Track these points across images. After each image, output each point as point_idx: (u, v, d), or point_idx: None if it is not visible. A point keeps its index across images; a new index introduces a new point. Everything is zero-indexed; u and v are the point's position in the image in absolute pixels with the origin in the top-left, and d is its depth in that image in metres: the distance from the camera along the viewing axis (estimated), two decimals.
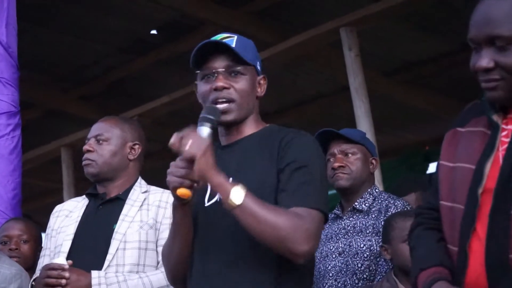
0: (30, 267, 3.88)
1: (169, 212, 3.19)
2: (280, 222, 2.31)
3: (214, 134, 2.50)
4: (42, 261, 3.49)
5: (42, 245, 3.60)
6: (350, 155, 3.80)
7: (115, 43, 7.98)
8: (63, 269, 3.12)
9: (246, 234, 2.38)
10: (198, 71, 2.60)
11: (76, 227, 3.39)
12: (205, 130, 2.42)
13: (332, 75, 8.21)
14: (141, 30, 7.72)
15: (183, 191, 2.36)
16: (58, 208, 3.60)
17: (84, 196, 3.57)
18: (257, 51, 2.69)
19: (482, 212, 2.03)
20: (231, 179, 2.42)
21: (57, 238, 3.44)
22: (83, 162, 3.49)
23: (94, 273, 3.16)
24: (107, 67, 8.48)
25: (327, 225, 3.91)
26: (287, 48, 7.07)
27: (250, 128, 2.61)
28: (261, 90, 2.64)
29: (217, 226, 2.49)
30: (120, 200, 3.40)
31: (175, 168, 2.35)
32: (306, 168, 2.45)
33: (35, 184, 10.50)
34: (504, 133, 2.09)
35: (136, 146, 3.54)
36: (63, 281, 3.10)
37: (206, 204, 2.54)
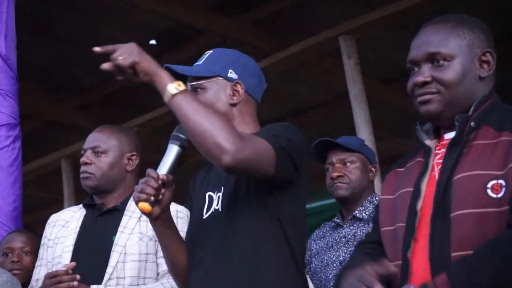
0: (30, 280, 3.88)
1: None
2: (215, 117, 2.34)
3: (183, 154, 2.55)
4: (38, 271, 3.47)
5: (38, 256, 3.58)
6: (348, 164, 3.79)
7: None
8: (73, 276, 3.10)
9: (245, 242, 2.43)
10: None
11: (75, 238, 3.36)
12: (174, 149, 2.51)
13: (331, 83, 8.22)
14: (139, 39, 7.70)
15: (142, 205, 2.44)
16: (53, 217, 3.55)
17: (80, 206, 3.53)
18: (239, 58, 2.73)
19: (422, 223, 2.12)
20: (222, 187, 2.52)
21: (54, 248, 3.40)
22: (81, 175, 3.45)
23: (94, 287, 3.14)
24: (105, 76, 8.48)
25: (328, 234, 3.90)
26: (285, 57, 7.08)
27: None
28: (237, 97, 2.65)
29: (214, 235, 2.52)
30: (118, 211, 3.36)
31: (140, 183, 2.46)
32: (273, 131, 2.49)
33: (35, 195, 10.49)
34: (437, 157, 2.20)
35: (134, 157, 3.50)
36: (75, 283, 3.07)
37: (204, 216, 2.57)
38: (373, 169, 3.87)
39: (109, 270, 3.19)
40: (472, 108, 2.18)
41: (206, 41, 7.57)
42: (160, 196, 2.48)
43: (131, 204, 3.36)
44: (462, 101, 2.19)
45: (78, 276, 3.09)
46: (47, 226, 3.54)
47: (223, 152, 2.27)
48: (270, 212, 2.48)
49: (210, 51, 2.70)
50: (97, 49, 2.53)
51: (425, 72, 2.20)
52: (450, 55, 2.20)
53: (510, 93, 2.34)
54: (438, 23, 2.28)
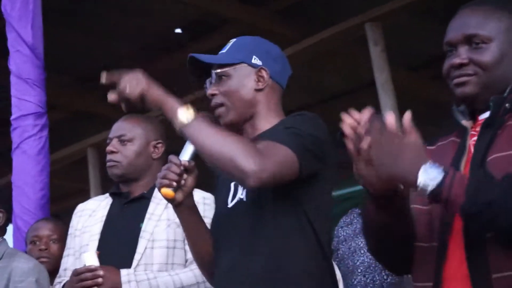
0: (58, 268, 3.90)
1: None
2: (231, 140, 2.32)
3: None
4: (66, 261, 3.48)
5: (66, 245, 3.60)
6: None
7: (139, 42, 7.99)
8: (96, 269, 3.11)
9: (271, 231, 2.42)
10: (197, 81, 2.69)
11: (101, 226, 3.36)
12: (189, 149, 2.49)
13: (357, 71, 8.18)
14: (165, 29, 7.73)
15: (164, 191, 2.45)
16: (80, 207, 3.56)
17: (106, 195, 3.55)
18: (262, 44, 2.72)
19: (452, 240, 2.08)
20: None
21: (82, 238, 3.41)
22: (107, 164, 3.45)
23: (124, 271, 3.15)
24: (131, 66, 8.48)
25: (355, 220, 3.87)
26: (311, 44, 7.04)
27: (264, 123, 2.61)
28: (262, 83, 2.63)
29: (240, 225, 2.50)
30: (145, 199, 3.37)
31: (161, 171, 2.47)
32: (293, 128, 2.46)
33: (61, 185, 10.54)
34: (473, 138, 2.16)
35: (159, 145, 3.50)
36: (100, 280, 3.09)
37: (229, 205, 2.56)
38: None
39: (137, 256, 3.21)
40: (508, 90, 2.15)
41: (232, 31, 7.54)
42: (183, 182, 2.48)
43: (158, 192, 3.36)
44: (498, 84, 2.16)
45: (101, 272, 3.10)
46: (74, 216, 3.55)
47: (246, 175, 2.26)
48: (296, 202, 2.47)
49: (234, 39, 2.69)
50: (102, 79, 2.48)
51: (462, 54, 2.17)
52: (488, 37, 2.17)
53: None
54: (476, 5, 2.25)
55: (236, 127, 2.59)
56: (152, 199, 3.35)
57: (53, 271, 3.78)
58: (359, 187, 3.44)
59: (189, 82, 2.72)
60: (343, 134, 2.02)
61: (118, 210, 3.41)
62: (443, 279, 2.05)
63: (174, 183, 2.44)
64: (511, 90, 2.15)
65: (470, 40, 2.18)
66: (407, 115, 2.03)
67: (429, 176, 1.94)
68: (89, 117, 9.37)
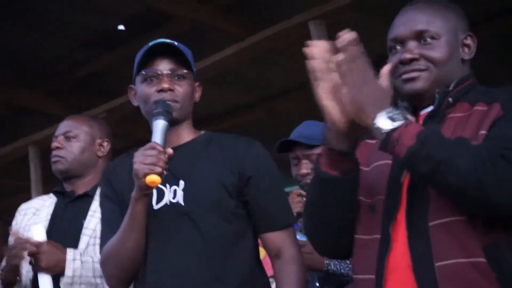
0: None
1: None
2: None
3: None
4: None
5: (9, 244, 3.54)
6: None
7: (81, 38, 7.91)
8: (40, 244, 3.10)
9: (207, 233, 2.48)
10: (142, 72, 2.64)
11: (46, 225, 3.35)
12: (161, 123, 2.48)
13: (301, 69, 8.18)
14: (107, 25, 7.65)
15: (153, 178, 2.37)
16: (24, 206, 3.56)
17: (51, 194, 3.55)
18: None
19: (402, 199, 2.10)
20: (181, 181, 2.54)
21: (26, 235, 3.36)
22: (52, 159, 3.48)
23: (70, 250, 3.16)
24: (73, 62, 8.40)
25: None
26: (255, 42, 7.04)
27: (187, 134, 2.68)
28: (197, 96, 2.73)
29: (174, 228, 2.51)
30: (88, 197, 3.38)
31: (143, 156, 2.39)
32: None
33: (2, 183, 10.40)
34: None
35: (105, 143, 3.54)
36: (40, 257, 3.07)
37: (155, 207, 2.55)
38: None
39: (78, 251, 3.20)
40: (452, 85, 2.19)
41: (176, 26, 7.51)
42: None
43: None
44: (445, 81, 2.20)
45: (44, 248, 3.08)
46: (17, 214, 3.55)
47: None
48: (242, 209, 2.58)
49: (175, 42, 2.67)
50: None
51: (413, 49, 2.19)
52: (438, 33, 2.20)
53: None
54: (422, 3, 2.28)
55: (173, 125, 2.59)
56: (95, 197, 3.34)
57: None
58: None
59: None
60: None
61: (62, 209, 3.42)
62: (386, 271, 2.07)
63: (165, 171, 2.39)
64: (455, 85, 2.19)
65: (419, 36, 2.21)
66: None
67: (389, 116, 1.96)
68: (30, 113, 9.24)
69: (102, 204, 2.72)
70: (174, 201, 2.53)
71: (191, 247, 2.48)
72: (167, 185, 2.55)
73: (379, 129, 1.97)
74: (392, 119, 1.97)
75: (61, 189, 3.50)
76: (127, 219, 2.50)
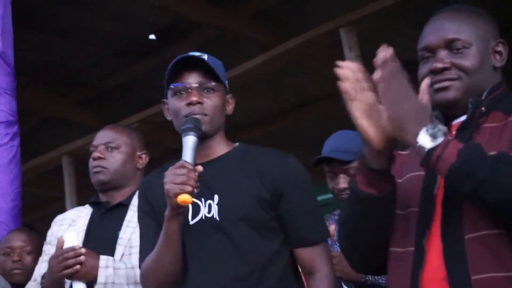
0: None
1: None
2: None
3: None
4: (39, 267, 3.47)
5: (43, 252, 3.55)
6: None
7: (111, 47, 7.95)
8: (78, 249, 3.11)
9: (242, 248, 2.48)
10: (171, 87, 2.65)
11: (83, 236, 3.35)
12: (191, 139, 2.47)
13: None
14: (137, 34, 7.68)
15: (184, 198, 2.35)
16: (60, 217, 3.55)
17: (86, 205, 3.53)
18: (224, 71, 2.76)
19: (436, 210, 2.09)
20: (216, 196, 2.53)
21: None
22: (94, 170, 3.43)
23: (103, 257, 3.15)
24: (103, 71, 8.44)
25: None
26: (286, 50, 7.03)
27: (221, 147, 2.67)
28: (229, 109, 2.71)
29: (209, 242, 2.52)
30: (123, 206, 3.36)
31: (173, 175, 2.37)
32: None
33: (37, 193, 10.47)
34: None
35: (143, 156, 3.52)
36: (82, 258, 3.08)
37: (191, 222, 2.55)
38: None
39: (111, 258, 3.19)
40: (485, 94, 2.17)
41: (205, 35, 7.53)
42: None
43: (135, 199, 3.30)
44: (477, 89, 2.18)
45: (83, 250, 3.10)
46: (53, 225, 3.54)
47: None
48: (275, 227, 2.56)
49: (205, 55, 2.66)
50: None
51: (444, 58, 2.18)
52: (469, 42, 2.18)
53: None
54: (453, 10, 2.27)
55: (202, 142, 2.59)
56: (130, 206, 3.33)
57: (27, 283, 3.73)
58: (330, 195, 3.43)
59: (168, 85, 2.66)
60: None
61: (97, 219, 3.40)
62: (420, 284, 2.05)
63: (195, 190, 2.37)
64: (488, 94, 2.17)
65: (450, 45, 2.19)
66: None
67: (430, 133, 1.95)
68: (60, 124, 9.29)
69: (140, 219, 2.73)
70: (209, 215, 2.52)
71: (225, 262, 2.48)
72: (203, 200, 2.55)
73: (421, 146, 1.96)
74: (433, 136, 1.95)
75: (97, 200, 3.48)
76: (162, 238, 2.50)
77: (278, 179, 2.55)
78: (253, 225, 2.51)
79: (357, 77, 2.05)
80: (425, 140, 1.95)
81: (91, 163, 3.45)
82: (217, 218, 2.51)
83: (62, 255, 3.10)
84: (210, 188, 2.54)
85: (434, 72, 2.18)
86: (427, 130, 1.95)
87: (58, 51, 7.87)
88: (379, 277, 3.31)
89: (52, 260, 3.17)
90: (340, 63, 2.08)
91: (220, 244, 2.49)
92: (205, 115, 2.58)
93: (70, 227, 3.44)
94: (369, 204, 2.13)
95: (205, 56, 2.64)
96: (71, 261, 3.08)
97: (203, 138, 2.56)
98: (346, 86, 2.05)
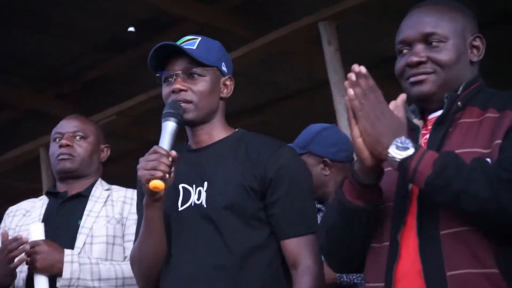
0: None
1: (135, 208, 3.04)
2: None
3: (179, 134, 2.50)
4: None
5: None
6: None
7: (91, 41, 7.93)
8: (37, 244, 3.03)
9: (227, 236, 2.44)
10: (158, 74, 2.61)
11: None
12: (170, 125, 2.44)
13: (311, 71, 8.19)
14: (117, 28, 7.67)
15: (156, 183, 2.33)
16: (13, 208, 3.47)
17: (41, 196, 3.48)
18: (225, 52, 2.70)
19: (411, 203, 2.10)
20: (205, 183, 2.49)
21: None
22: (60, 156, 3.37)
23: (68, 251, 3.09)
24: (83, 65, 8.42)
25: None
26: (265, 44, 7.05)
27: (219, 132, 2.63)
28: (227, 91, 2.65)
29: (195, 230, 2.49)
30: (82, 197, 3.32)
31: (145, 161, 2.36)
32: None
33: (13, 185, 10.43)
34: (424, 137, 2.18)
35: (105, 149, 3.49)
36: (27, 247, 3.00)
37: (180, 208, 2.53)
38: (324, 165, 3.45)
39: (76, 251, 3.14)
40: (460, 88, 2.18)
41: (185, 29, 7.52)
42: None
43: (95, 190, 3.34)
44: (453, 83, 2.18)
45: (23, 238, 3.01)
46: (6, 216, 3.46)
47: None
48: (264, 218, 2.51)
49: (198, 38, 2.63)
50: None
51: (420, 52, 2.18)
52: (445, 36, 2.19)
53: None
54: (431, 4, 2.27)
55: (197, 129, 2.59)
56: (90, 197, 3.31)
57: None
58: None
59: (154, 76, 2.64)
60: None
61: (55, 209, 3.33)
62: (395, 278, 2.06)
63: (167, 175, 2.35)
64: (464, 88, 2.17)
65: (426, 39, 2.20)
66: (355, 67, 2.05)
67: (401, 145, 1.97)
68: (39, 117, 9.26)
69: (138, 211, 2.71)
70: (198, 202, 2.50)
71: (209, 250, 2.45)
72: (194, 186, 2.53)
73: (392, 159, 1.98)
74: (403, 148, 1.97)
75: (54, 190, 3.42)
76: (143, 225, 2.49)
77: (268, 168, 2.49)
78: (239, 214, 2.46)
79: (369, 84, 2.05)
80: (395, 152, 1.97)
81: (56, 150, 3.39)
82: (205, 205, 2.48)
83: (6, 248, 3.03)
84: (201, 175, 2.52)
85: (410, 66, 2.19)
86: (396, 143, 1.97)
87: (36, 45, 7.84)
88: (354, 276, 3.30)
89: (4, 243, 3.07)
90: (354, 81, 2.06)
91: (206, 231, 2.46)
92: (190, 102, 2.54)
93: (24, 217, 3.38)
94: (356, 214, 2.14)
95: (198, 39, 2.61)
96: (15, 252, 3.01)
97: (192, 125, 2.56)
98: (354, 104, 2.05)
